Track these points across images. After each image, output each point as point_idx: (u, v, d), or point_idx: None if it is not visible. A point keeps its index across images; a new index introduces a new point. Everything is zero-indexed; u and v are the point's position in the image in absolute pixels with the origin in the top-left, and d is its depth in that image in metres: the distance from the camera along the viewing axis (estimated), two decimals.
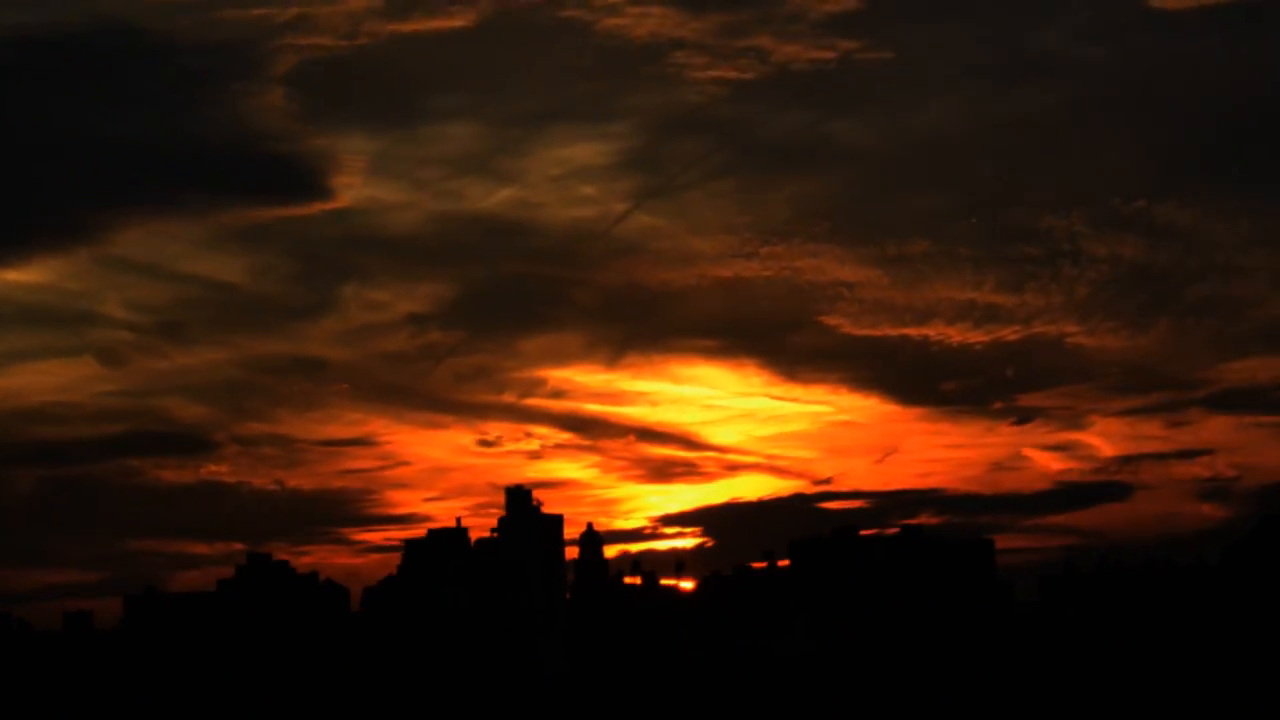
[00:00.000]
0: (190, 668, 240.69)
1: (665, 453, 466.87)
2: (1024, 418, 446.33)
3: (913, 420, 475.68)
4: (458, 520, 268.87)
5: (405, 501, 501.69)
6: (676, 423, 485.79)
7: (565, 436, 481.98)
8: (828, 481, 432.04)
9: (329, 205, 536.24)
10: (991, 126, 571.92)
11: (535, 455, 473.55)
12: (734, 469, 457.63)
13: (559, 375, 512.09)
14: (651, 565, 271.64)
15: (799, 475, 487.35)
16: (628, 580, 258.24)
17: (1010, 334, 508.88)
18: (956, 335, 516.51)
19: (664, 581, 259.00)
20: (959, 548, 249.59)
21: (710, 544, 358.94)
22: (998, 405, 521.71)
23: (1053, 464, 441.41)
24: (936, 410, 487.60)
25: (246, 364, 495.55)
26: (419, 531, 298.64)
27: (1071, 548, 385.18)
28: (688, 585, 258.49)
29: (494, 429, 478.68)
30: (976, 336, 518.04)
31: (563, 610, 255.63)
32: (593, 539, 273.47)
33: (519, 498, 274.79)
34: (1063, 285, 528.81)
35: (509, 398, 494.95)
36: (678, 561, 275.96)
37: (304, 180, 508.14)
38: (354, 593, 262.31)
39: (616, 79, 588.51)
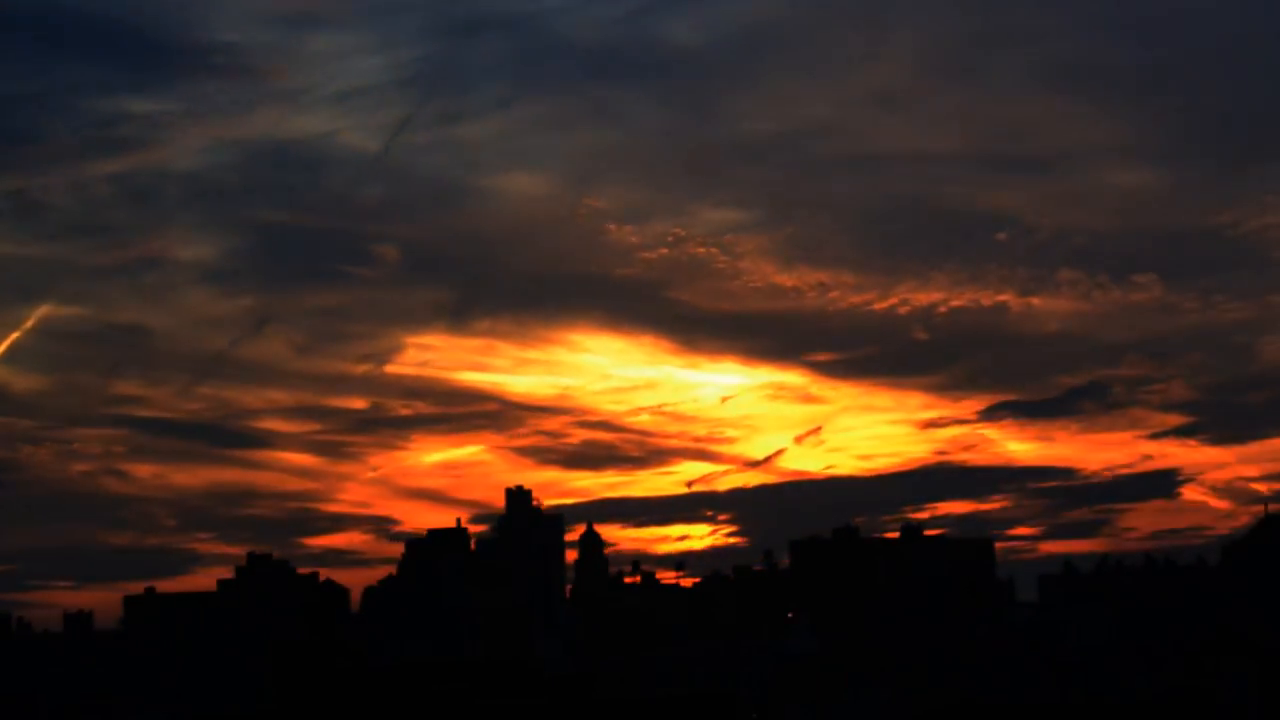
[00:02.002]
0: (190, 668, 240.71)
1: (586, 434, 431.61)
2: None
3: (835, 394, 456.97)
4: (458, 521, 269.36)
5: (324, 495, 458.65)
6: (583, 398, 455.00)
7: (457, 410, 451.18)
8: (762, 462, 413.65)
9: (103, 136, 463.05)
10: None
11: (431, 438, 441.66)
12: (662, 454, 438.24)
13: (419, 342, 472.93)
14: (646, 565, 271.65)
15: (731, 459, 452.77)
16: (627, 580, 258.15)
17: (911, 293, 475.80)
18: (855, 294, 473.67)
19: (663, 579, 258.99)
20: (959, 547, 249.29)
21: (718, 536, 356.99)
22: (923, 378, 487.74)
23: (1014, 445, 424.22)
24: (859, 384, 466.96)
25: (58, 333, 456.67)
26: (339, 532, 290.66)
27: (1070, 538, 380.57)
28: (687, 584, 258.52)
29: (364, 406, 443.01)
30: (873, 294, 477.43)
31: (562, 609, 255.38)
32: (592, 539, 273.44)
33: (519, 498, 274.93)
34: (959, 242, 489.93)
35: (364, 368, 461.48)
36: (677, 561, 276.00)
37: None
38: (354, 593, 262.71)
39: None
